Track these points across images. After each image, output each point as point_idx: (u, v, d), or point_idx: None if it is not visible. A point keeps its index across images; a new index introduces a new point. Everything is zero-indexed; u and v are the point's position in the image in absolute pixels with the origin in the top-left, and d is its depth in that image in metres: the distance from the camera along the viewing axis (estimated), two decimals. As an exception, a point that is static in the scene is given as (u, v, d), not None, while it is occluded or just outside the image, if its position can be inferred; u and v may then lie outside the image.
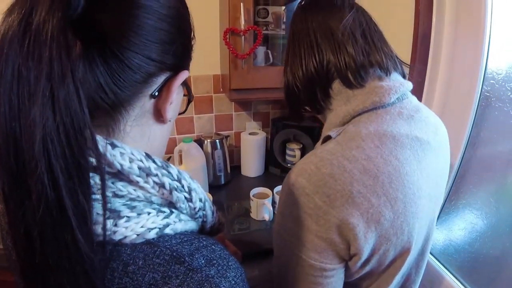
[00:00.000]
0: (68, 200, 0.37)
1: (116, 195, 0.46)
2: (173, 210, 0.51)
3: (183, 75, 0.54)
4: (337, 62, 0.77)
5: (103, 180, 0.41)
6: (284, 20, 1.71)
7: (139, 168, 0.46)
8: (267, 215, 1.54)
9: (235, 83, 1.59)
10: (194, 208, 0.54)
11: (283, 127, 2.01)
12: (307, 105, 0.87)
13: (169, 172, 0.50)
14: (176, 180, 0.51)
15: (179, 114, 0.62)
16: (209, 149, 1.87)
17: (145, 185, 0.47)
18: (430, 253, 1.34)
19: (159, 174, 0.48)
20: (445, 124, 1.22)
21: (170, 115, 0.54)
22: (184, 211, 0.53)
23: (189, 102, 0.64)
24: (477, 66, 1.08)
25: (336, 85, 0.78)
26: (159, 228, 0.47)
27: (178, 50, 0.52)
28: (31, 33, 0.36)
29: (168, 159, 1.99)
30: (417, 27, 1.22)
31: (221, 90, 2.03)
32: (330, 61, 0.78)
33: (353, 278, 0.75)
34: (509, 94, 1.06)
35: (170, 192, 0.50)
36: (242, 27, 1.48)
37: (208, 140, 1.87)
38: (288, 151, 2.01)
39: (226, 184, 1.98)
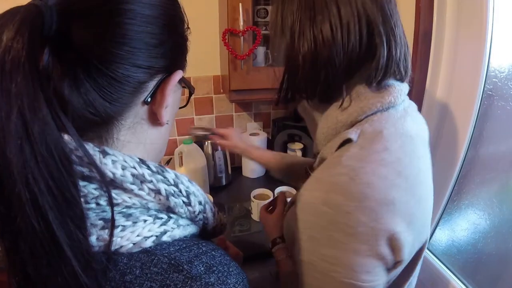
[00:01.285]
0: (61, 233, 0.36)
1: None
2: (172, 215, 0.50)
3: (176, 76, 0.52)
4: (384, 49, 0.64)
5: (110, 197, 0.41)
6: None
7: (133, 175, 0.45)
8: (268, 216, 1.52)
9: (234, 84, 1.59)
10: (194, 212, 0.53)
11: (284, 127, 2.01)
12: (309, 88, 0.71)
13: (164, 177, 0.49)
14: (173, 185, 0.49)
15: (180, 107, 0.61)
16: (209, 150, 1.87)
17: (140, 192, 0.46)
18: (433, 253, 1.33)
19: (154, 181, 0.47)
20: (447, 123, 1.22)
21: (166, 118, 0.53)
22: (183, 216, 0.52)
23: (190, 95, 0.63)
24: (479, 65, 1.07)
25: (357, 77, 0.68)
26: (156, 236, 0.46)
27: (168, 51, 0.50)
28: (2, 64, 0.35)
29: (169, 161, 1.99)
30: (418, 24, 1.22)
31: (221, 91, 2.03)
32: (377, 44, 0.64)
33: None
34: (511, 93, 1.04)
35: (167, 197, 0.48)
36: (241, 28, 1.48)
37: (209, 142, 1.86)
38: (289, 152, 2.00)
39: (227, 185, 1.97)
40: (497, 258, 1.14)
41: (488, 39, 1.05)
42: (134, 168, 0.45)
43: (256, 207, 1.55)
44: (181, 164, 1.72)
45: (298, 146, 1.98)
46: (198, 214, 0.54)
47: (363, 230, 0.56)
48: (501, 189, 1.14)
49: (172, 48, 0.51)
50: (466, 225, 1.24)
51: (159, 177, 0.48)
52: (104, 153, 0.43)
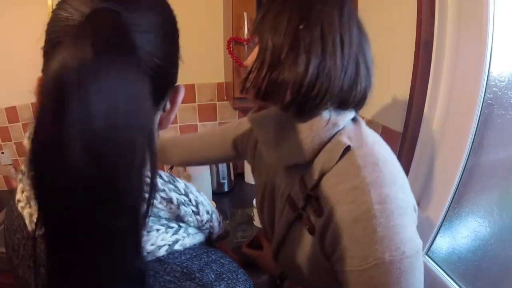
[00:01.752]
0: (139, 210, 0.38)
1: None
2: (181, 224, 0.52)
3: (183, 88, 0.55)
4: (364, 83, 0.77)
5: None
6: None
7: (147, 184, 0.46)
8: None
9: (238, 91, 1.59)
10: (202, 221, 0.55)
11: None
12: (297, 91, 0.73)
13: (176, 187, 0.50)
14: (183, 194, 0.51)
15: None
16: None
17: (153, 201, 0.47)
18: (433, 260, 1.34)
19: (166, 190, 0.49)
20: (448, 131, 1.23)
21: (169, 123, 0.55)
22: (192, 224, 0.53)
23: None
24: (479, 74, 1.08)
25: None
26: (169, 245, 0.47)
27: (177, 65, 0.53)
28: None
29: (172, 167, 2.00)
30: (419, 33, 1.22)
31: (225, 98, 2.05)
32: (360, 74, 0.76)
33: None
34: (511, 101, 1.05)
35: (178, 206, 0.50)
36: (246, 36, 1.50)
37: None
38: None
39: (230, 191, 1.99)
40: (497, 265, 1.14)
41: (489, 49, 1.06)
42: (148, 177, 0.46)
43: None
44: (184, 170, 1.73)
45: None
46: (205, 223, 0.56)
47: (408, 204, 0.69)
48: (501, 196, 1.15)
49: (178, 61, 0.54)
50: (466, 233, 1.25)
51: (171, 186, 0.50)
52: None
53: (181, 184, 0.52)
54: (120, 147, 0.34)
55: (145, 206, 0.39)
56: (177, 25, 0.52)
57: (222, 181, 1.93)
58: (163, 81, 0.47)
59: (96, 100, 0.32)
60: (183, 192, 0.51)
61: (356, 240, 0.67)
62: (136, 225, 0.38)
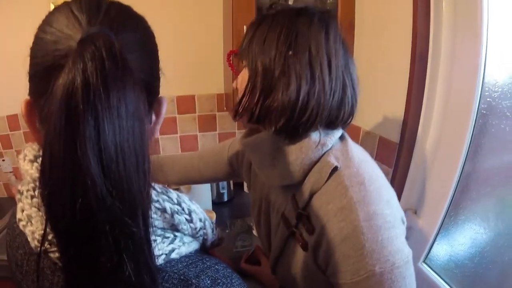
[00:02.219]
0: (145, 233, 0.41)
1: None
2: (176, 233, 0.54)
3: (165, 98, 0.57)
4: (351, 102, 0.82)
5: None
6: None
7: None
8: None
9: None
10: (195, 228, 0.57)
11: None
12: (288, 115, 0.77)
13: (169, 197, 0.53)
14: (177, 204, 0.53)
15: None
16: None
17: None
18: (431, 268, 1.36)
19: (160, 200, 0.51)
20: (444, 141, 1.26)
21: (157, 134, 0.58)
22: (186, 232, 0.55)
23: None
24: (474, 84, 1.11)
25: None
26: (166, 254, 0.50)
27: (159, 75, 0.56)
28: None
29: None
30: (415, 45, 1.25)
31: (225, 108, 2.07)
32: (347, 94, 0.80)
33: None
34: (505, 111, 1.08)
35: (172, 215, 0.52)
36: (245, 49, 1.53)
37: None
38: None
39: (229, 201, 2.00)
40: (494, 271, 1.16)
41: (483, 60, 1.09)
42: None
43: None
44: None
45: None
46: (199, 231, 0.58)
47: (395, 218, 0.73)
48: (496, 203, 1.17)
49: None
50: (463, 240, 1.27)
51: (164, 197, 0.52)
52: None
53: (173, 194, 0.54)
54: (127, 159, 0.37)
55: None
56: (155, 41, 0.55)
57: (221, 191, 1.95)
58: (149, 94, 0.49)
59: (105, 120, 0.36)
60: (176, 202, 0.53)
61: (347, 256, 0.71)
62: (147, 234, 0.41)
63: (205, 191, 1.80)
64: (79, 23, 0.43)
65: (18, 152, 2.08)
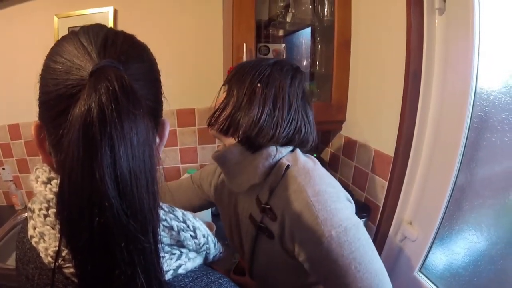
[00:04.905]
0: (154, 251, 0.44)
1: None
2: (182, 250, 0.57)
3: (167, 120, 0.61)
4: (306, 133, 1.00)
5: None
6: (284, 56, 1.80)
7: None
8: (268, 243, 1.57)
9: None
10: (199, 244, 0.60)
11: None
12: (255, 131, 0.94)
13: (175, 216, 0.56)
14: (182, 222, 0.56)
15: None
16: (212, 179, 1.92)
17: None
18: (427, 277, 1.39)
19: (168, 219, 0.54)
20: (437, 154, 1.30)
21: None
22: (191, 248, 0.58)
23: None
24: (466, 100, 1.16)
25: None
26: (174, 270, 0.52)
27: (162, 100, 0.60)
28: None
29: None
30: (408, 64, 1.30)
31: (224, 122, 2.10)
32: (303, 126, 0.99)
33: None
34: (496, 125, 1.12)
35: (178, 232, 0.55)
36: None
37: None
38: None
39: (229, 212, 2.01)
40: (487, 279, 1.20)
41: (474, 76, 1.13)
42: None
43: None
44: (184, 192, 1.78)
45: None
46: (202, 246, 0.61)
47: (338, 195, 0.89)
48: (488, 214, 1.21)
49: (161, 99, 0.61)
50: (457, 249, 1.30)
51: (171, 215, 0.55)
52: None
53: (179, 213, 0.57)
54: (140, 183, 0.42)
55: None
56: (158, 68, 0.59)
57: (220, 203, 1.97)
58: (154, 119, 0.53)
59: (120, 149, 0.40)
60: (181, 220, 0.56)
61: (306, 228, 0.84)
62: (157, 248, 0.44)
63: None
64: (89, 54, 0.47)
65: (19, 161, 2.11)
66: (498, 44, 1.10)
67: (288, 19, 1.79)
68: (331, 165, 2.04)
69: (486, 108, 1.15)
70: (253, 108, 0.92)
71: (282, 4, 1.81)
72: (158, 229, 0.45)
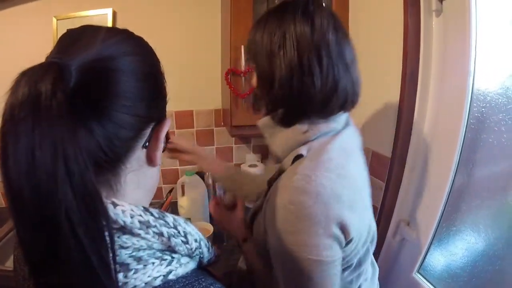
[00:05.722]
0: (94, 258, 0.42)
1: (122, 247, 0.50)
2: (174, 255, 0.56)
3: (167, 123, 0.61)
4: (345, 87, 0.84)
5: (111, 236, 0.45)
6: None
7: (140, 222, 0.51)
8: (267, 244, 1.57)
9: (236, 120, 1.67)
10: (191, 249, 0.59)
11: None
12: (285, 105, 0.87)
13: (165, 222, 0.55)
14: (173, 227, 0.56)
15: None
16: (210, 181, 1.93)
17: (146, 236, 0.52)
18: (425, 278, 1.39)
19: (158, 225, 0.53)
20: (434, 156, 1.30)
21: (160, 159, 0.61)
22: (183, 253, 0.58)
23: (167, 139, 0.68)
24: (462, 101, 1.16)
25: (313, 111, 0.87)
26: (164, 276, 0.52)
27: (159, 102, 0.59)
28: (41, 113, 0.40)
29: (171, 190, 2.05)
30: (405, 64, 1.30)
31: (222, 124, 2.12)
32: (344, 83, 0.83)
33: (350, 260, 0.88)
34: (493, 125, 1.13)
35: (169, 238, 0.55)
36: (243, 68, 1.57)
37: (209, 173, 1.93)
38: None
39: (227, 214, 2.01)
40: (485, 280, 1.20)
41: (471, 79, 1.14)
42: (140, 215, 0.52)
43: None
44: (183, 194, 1.78)
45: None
46: (195, 251, 0.60)
47: (320, 219, 0.75)
48: (486, 215, 1.21)
49: (159, 100, 0.60)
50: (455, 250, 1.31)
51: (161, 221, 0.54)
52: (115, 204, 0.50)
53: (169, 218, 0.56)
54: (46, 188, 0.40)
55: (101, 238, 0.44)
56: (153, 61, 0.59)
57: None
58: (126, 121, 0.51)
59: (24, 150, 0.39)
60: (172, 226, 0.55)
61: (272, 226, 0.82)
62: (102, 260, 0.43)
63: (203, 204, 1.82)
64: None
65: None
66: (494, 45, 1.11)
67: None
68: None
69: (483, 109, 1.15)
70: (282, 80, 0.82)
71: (279, 6, 1.81)
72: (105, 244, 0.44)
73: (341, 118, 0.91)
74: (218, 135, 2.15)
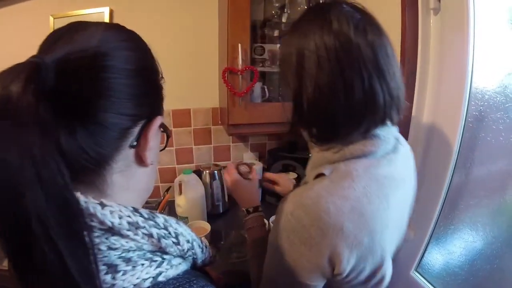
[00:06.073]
0: (71, 262, 0.41)
1: (110, 248, 0.49)
2: (165, 256, 0.55)
3: (156, 122, 0.58)
4: (381, 98, 0.74)
5: (90, 238, 0.45)
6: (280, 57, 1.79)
7: (128, 223, 0.50)
8: (264, 243, 1.57)
9: (233, 119, 1.67)
10: (183, 250, 0.58)
11: (279, 158, 2.07)
12: (315, 127, 0.83)
13: (155, 223, 0.54)
14: (163, 228, 0.55)
15: (160, 150, 0.66)
16: (207, 179, 1.93)
17: (135, 237, 0.51)
18: (423, 276, 1.39)
19: (147, 226, 0.52)
20: (432, 154, 1.29)
21: (151, 159, 0.59)
22: (174, 254, 0.57)
23: (167, 137, 0.68)
24: (461, 99, 1.16)
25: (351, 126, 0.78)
26: (153, 277, 0.51)
27: (147, 100, 0.56)
28: (10, 119, 0.39)
29: (168, 189, 2.05)
30: (403, 63, 1.30)
31: (219, 122, 2.11)
32: (376, 93, 0.74)
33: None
34: (491, 124, 1.13)
35: (159, 240, 0.53)
36: (240, 67, 1.57)
37: (207, 171, 1.93)
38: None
39: (224, 213, 2.01)
40: (483, 278, 1.20)
41: (469, 78, 1.13)
42: (129, 216, 0.51)
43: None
44: (180, 193, 1.77)
45: (292, 175, 2.02)
46: (187, 251, 0.60)
47: (311, 242, 0.73)
48: (484, 213, 1.21)
49: (150, 97, 0.58)
50: (453, 249, 1.31)
51: (151, 222, 0.53)
52: (103, 205, 0.48)
53: (160, 219, 0.55)
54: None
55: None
56: (146, 56, 0.58)
57: (217, 203, 1.96)
58: (112, 121, 0.50)
59: None
60: (162, 227, 0.55)
61: (275, 222, 0.83)
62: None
63: (200, 203, 1.82)
64: None
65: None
66: (492, 43, 1.11)
67: (284, 20, 1.79)
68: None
69: (481, 108, 1.15)
70: (311, 97, 0.76)
71: (277, 5, 1.81)
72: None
73: (381, 140, 0.80)
74: (216, 133, 2.15)
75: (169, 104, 2.02)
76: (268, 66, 1.80)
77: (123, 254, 0.50)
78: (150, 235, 0.52)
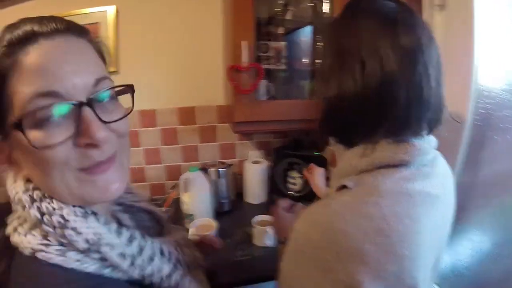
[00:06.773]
0: None
1: None
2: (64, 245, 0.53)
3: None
4: (399, 107, 0.67)
5: None
6: (284, 54, 1.79)
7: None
8: (269, 242, 1.57)
9: (238, 116, 1.65)
10: (83, 247, 0.53)
11: (285, 156, 2.06)
12: (338, 133, 0.78)
13: (43, 207, 0.53)
14: (47, 214, 0.53)
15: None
16: (213, 177, 1.93)
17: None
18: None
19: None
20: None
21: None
22: (56, 242, 0.53)
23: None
24: (466, 99, 1.16)
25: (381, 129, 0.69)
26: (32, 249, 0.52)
27: None
28: None
29: (174, 186, 2.05)
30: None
31: (224, 120, 2.11)
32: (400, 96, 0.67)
33: None
34: (498, 123, 1.11)
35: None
36: (245, 65, 1.57)
37: (213, 169, 1.93)
38: (289, 179, 2.05)
39: (230, 211, 2.01)
40: (491, 279, 1.19)
41: (475, 75, 1.13)
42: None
43: (257, 233, 1.60)
44: (186, 190, 1.77)
45: (298, 174, 2.03)
46: (90, 252, 0.54)
47: (324, 266, 0.62)
48: (492, 214, 1.20)
49: None
50: (461, 250, 1.29)
51: (38, 204, 0.54)
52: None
53: (50, 207, 0.54)
54: None
55: None
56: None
57: (222, 201, 1.96)
58: None
59: None
60: (46, 212, 0.53)
61: (285, 251, 0.72)
62: None
63: (206, 201, 1.82)
64: None
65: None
66: (499, 40, 1.09)
67: (288, 17, 1.78)
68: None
69: (488, 105, 1.14)
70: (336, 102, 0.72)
71: (281, 2, 1.80)
72: None
73: (415, 148, 0.70)
74: (221, 131, 2.14)
75: (173, 102, 2.02)
76: (273, 64, 1.78)
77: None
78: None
